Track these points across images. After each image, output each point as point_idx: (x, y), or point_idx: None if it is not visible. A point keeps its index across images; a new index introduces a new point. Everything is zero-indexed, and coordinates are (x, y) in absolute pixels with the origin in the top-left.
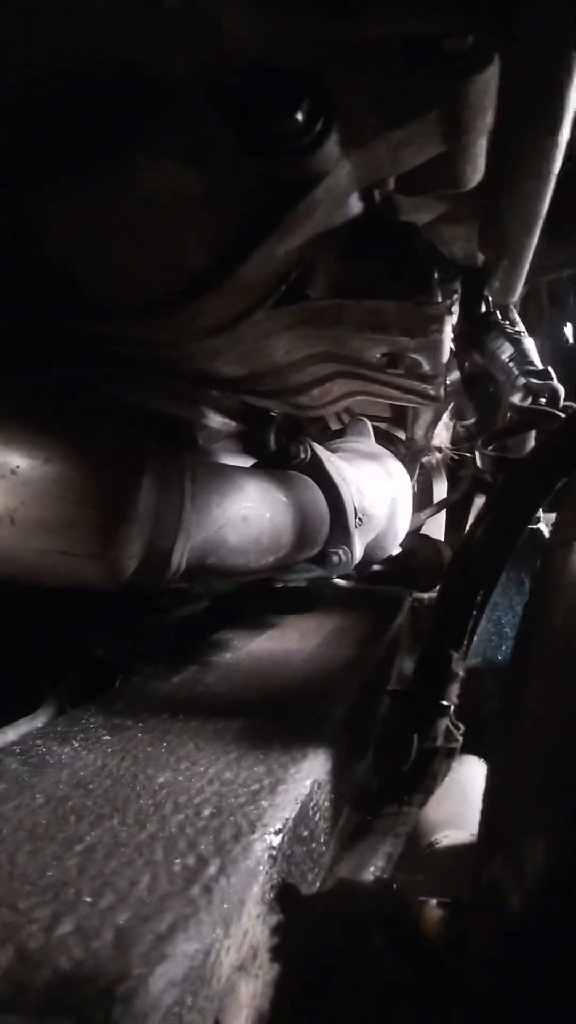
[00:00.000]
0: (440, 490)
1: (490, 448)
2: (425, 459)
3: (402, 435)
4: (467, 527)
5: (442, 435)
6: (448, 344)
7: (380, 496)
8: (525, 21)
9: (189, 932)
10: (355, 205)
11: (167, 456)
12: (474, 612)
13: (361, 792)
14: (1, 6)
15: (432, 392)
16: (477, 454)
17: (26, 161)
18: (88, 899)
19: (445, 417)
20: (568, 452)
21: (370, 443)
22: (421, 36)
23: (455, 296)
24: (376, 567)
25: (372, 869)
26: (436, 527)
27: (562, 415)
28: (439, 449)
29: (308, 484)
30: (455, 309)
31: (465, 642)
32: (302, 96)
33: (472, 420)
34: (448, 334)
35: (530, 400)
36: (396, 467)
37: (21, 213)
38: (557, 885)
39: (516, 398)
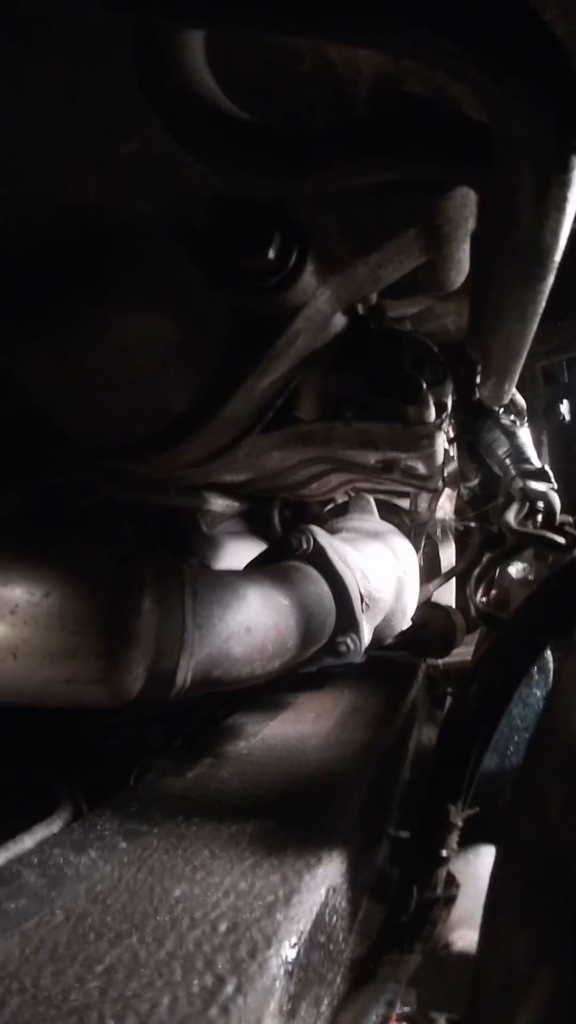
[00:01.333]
0: (448, 555)
1: (480, 598)
2: (431, 529)
3: (406, 505)
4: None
5: (445, 506)
6: (441, 450)
7: (386, 577)
8: (498, 162)
9: None
10: (338, 323)
11: (166, 574)
12: (471, 763)
13: (380, 879)
14: None
15: (430, 486)
16: (470, 590)
17: (4, 314)
18: (111, 1023)
19: (447, 491)
20: (558, 611)
21: (374, 520)
22: None
23: (445, 414)
24: (388, 643)
25: (373, 1018)
26: (446, 591)
27: (559, 540)
28: (443, 521)
29: (311, 577)
30: (445, 426)
31: (464, 792)
32: (271, 231)
33: (476, 481)
34: (442, 444)
35: (526, 509)
36: (401, 544)
37: (4, 361)
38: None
39: (511, 516)
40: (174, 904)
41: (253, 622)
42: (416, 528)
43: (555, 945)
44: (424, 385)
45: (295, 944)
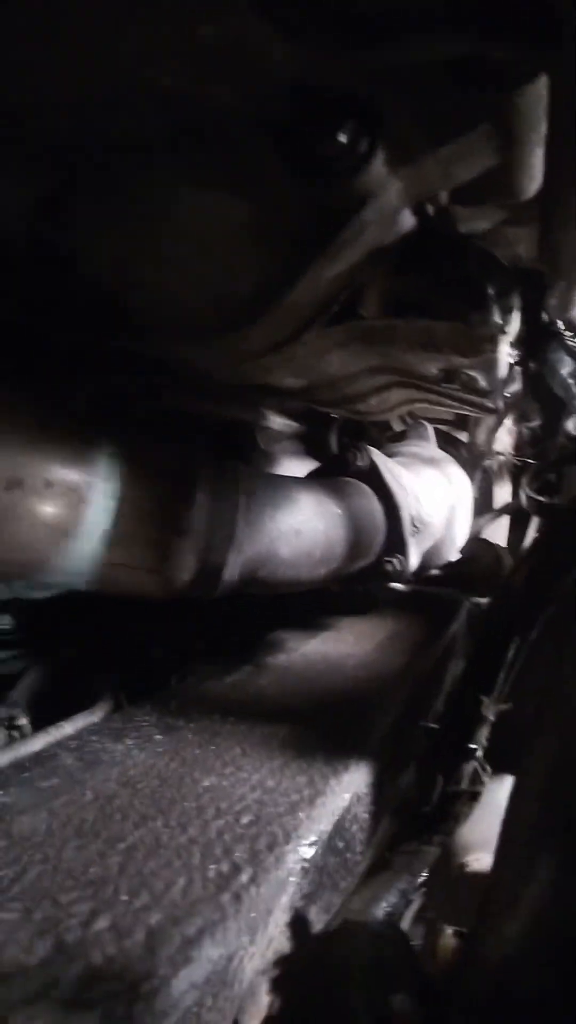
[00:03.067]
0: (503, 494)
1: (535, 487)
2: (487, 463)
3: (464, 438)
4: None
5: (504, 440)
6: (504, 361)
7: (439, 503)
8: (569, 37)
9: (216, 938)
10: (407, 221)
11: (222, 470)
12: (507, 658)
13: (403, 803)
14: (44, 45)
15: (489, 405)
16: (522, 492)
17: (76, 192)
18: (125, 898)
19: (508, 422)
20: None
21: (431, 447)
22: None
23: (510, 315)
24: (435, 571)
25: (384, 905)
26: (498, 531)
27: None
28: (501, 454)
29: (364, 492)
30: (510, 328)
31: (499, 685)
32: (345, 117)
33: (537, 423)
34: (504, 352)
35: None
36: (456, 473)
37: (73, 241)
38: (540, 937)
39: (572, 425)
40: (201, 793)
41: (303, 526)
42: (473, 460)
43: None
44: (490, 291)
45: (314, 843)
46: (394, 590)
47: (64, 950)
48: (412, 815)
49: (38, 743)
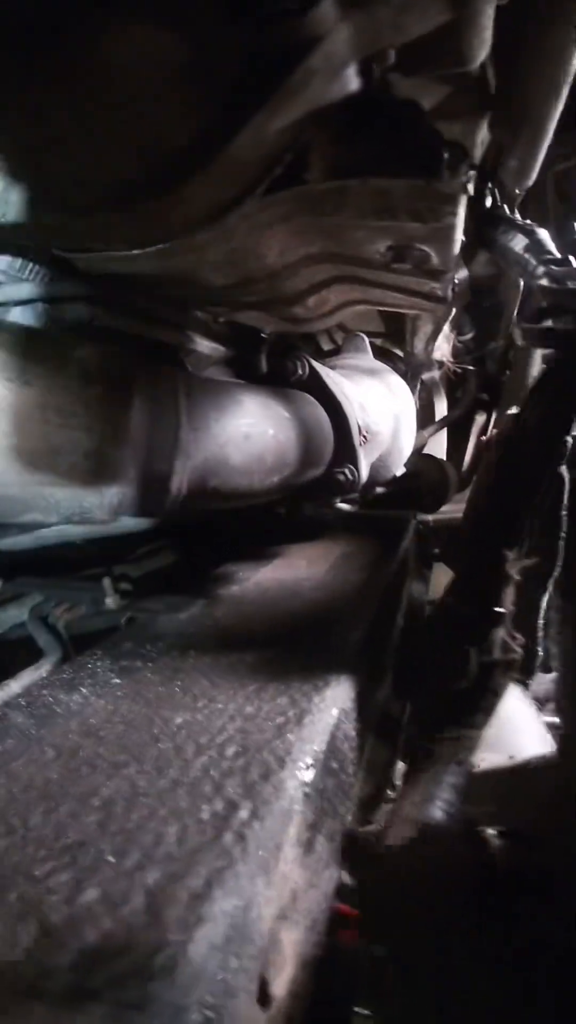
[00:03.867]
0: (441, 407)
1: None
2: (426, 376)
3: (400, 351)
4: (473, 441)
5: (443, 348)
6: (460, 232)
7: (383, 413)
8: None
9: (227, 887)
10: (353, 80)
11: (158, 372)
12: (531, 504)
13: (383, 718)
14: None
15: (440, 292)
16: (517, 332)
17: None
18: (111, 859)
19: (445, 329)
20: None
21: (369, 359)
22: None
23: (470, 174)
24: (380, 490)
25: (439, 803)
26: (437, 446)
27: None
28: (441, 363)
29: (309, 400)
30: (470, 188)
31: (522, 540)
32: None
33: (470, 335)
34: (461, 219)
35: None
36: (398, 383)
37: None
38: None
39: (544, 281)
40: (175, 732)
41: (252, 429)
42: (412, 372)
43: None
44: (445, 155)
45: (311, 765)
46: (340, 512)
47: (51, 933)
48: (448, 696)
49: None
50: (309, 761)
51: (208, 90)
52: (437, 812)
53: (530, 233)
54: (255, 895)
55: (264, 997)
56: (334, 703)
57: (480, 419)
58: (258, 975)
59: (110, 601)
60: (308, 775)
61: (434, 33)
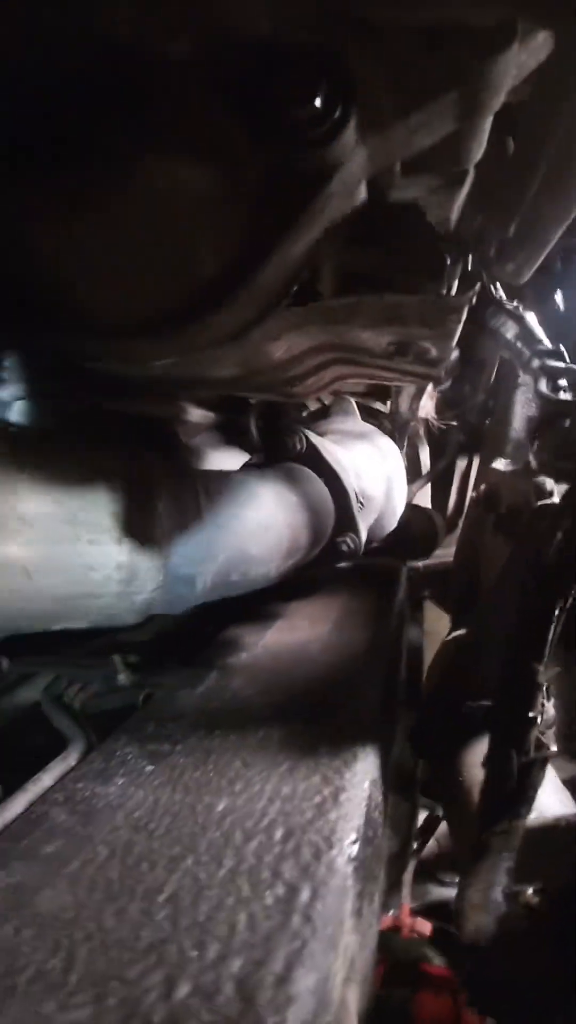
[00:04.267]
0: (425, 458)
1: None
2: (411, 431)
3: (383, 408)
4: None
5: (427, 405)
6: (459, 330)
7: (376, 477)
8: None
9: (306, 965)
10: (362, 192)
11: (179, 473)
12: (555, 620)
13: (398, 772)
14: None
15: (435, 374)
16: (532, 456)
17: (10, 162)
18: (194, 953)
19: (429, 388)
20: None
21: (357, 422)
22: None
23: (476, 286)
24: (375, 545)
25: (500, 888)
26: (423, 494)
27: None
28: (425, 420)
29: (310, 477)
30: (474, 299)
31: (546, 652)
32: (319, 79)
33: (447, 384)
34: (463, 320)
35: (551, 387)
36: (387, 444)
37: (7, 221)
38: None
39: (543, 386)
40: (221, 819)
41: (269, 520)
42: (398, 428)
43: None
44: (448, 261)
45: (355, 840)
46: (332, 567)
47: None
48: (496, 796)
49: (19, 803)
50: (353, 837)
51: (235, 220)
52: (499, 898)
53: (519, 319)
54: (328, 968)
55: None
56: (365, 776)
57: (462, 464)
58: None
59: (122, 678)
60: (354, 850)
61: (437, 143)
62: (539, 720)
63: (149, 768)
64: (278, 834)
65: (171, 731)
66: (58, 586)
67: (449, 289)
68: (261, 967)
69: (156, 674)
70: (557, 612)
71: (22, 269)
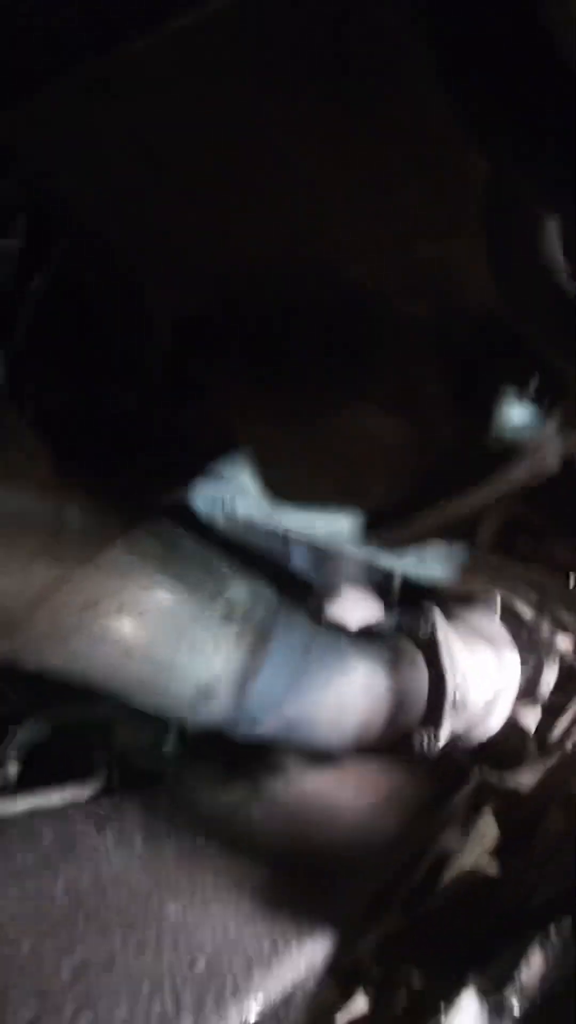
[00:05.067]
0: (548, 680)
1: None
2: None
3: (528, 614)
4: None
5: (566, 639)
6: None
7: (484, 687)
8: None
9: None
10: (551, 469)
11: (290, 628)
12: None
13: (352, 964)
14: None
15: (569, 633)
16: None
17: (243, 371)
18: (69, 1012)
19: None
20: None
21: (492, 622)
22: None
23: None
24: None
25: None
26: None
27: None
28: (559, 651)
29: (417, 666)
30: None
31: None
32: (532, 373)
33: None
34: None
35: None
36: (510, 658)
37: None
38: None
39: None
40: (164, 921)
41: (349, 702)
42: (531, 645)
43: None
44: None
45: (259, 1011)
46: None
47: None
48: None
49: (21, 805)
50: (259, 1007)
51: (410, 474)
52: None
53: None
54: None
55: None
56: (307, 957)
57: None
58: None
59: (169, 746)
60: (252, 1017)
61: None
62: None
63: (138, 840)
64: (201, 964)
65: (177, 819)
66: (145, 675)
67: None
68: None
69: (197, 759)
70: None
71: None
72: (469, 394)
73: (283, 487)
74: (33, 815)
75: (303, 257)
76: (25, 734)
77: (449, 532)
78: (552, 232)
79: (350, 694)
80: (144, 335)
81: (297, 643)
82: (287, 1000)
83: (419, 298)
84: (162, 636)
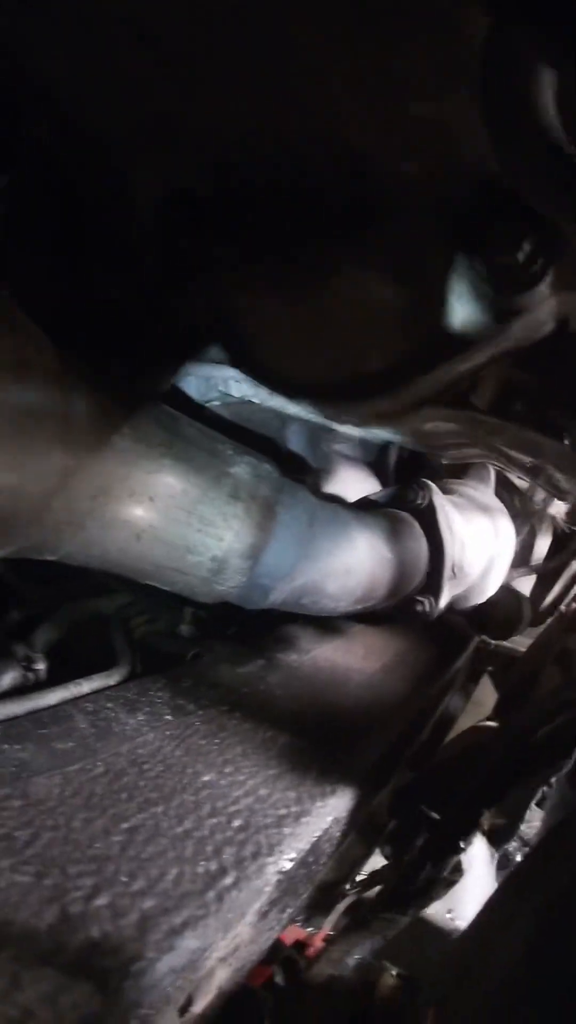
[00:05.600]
0: (541, 548)
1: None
2: (536, 518)
3: (522, 484)
4: (561, 586)
5: (559, 506)
6: None
7: (480, 553)
8: None
9: (197, 931)
10: (546, 330)
11: (295, 500)
12: (521, 785)
13: (369, 819)
14: (246, 92)
15: (567, 499)
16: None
17: (236, 243)
18: (124, 879)
19: None
20: None
21: (487, 494)
22: None
23: None
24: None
25: (355, 957)
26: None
27: None
28: (554, 517)
29: (415, 533)
30: None
31: (499, 803)
32: (526, 233)
33: None
34: None
35: None
36: (505, 526)
37: (223, 297)
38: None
39: None
40: (200, 788)
41: (354, 566)
42: (524, 514)
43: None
44: None
45: (292, 860)
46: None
47: (68, 920)
48: (398, 891)
49: (54, 697)
50: (292, 856)
51: (409, 337)
52: (351, 963)
53: None
54: (213, 943)
55: (184, 1011)
56: (332, 811)
57: (574, 567)
58: (187, 993)
59: (185, 629)
60: (287, 866)
61: None
62: (464, 850)
63: (168, 717)
64: (237, 822)
65: (201, 695)
66: (159, 556)
67: None
68: (164, 914)
69: (213, 639)
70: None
71: (227, 331)
72: (465, 260)
73: (280, 362)
74: (66, 705)
75: (297, 121)
76: (47, 632)
77: (446, 398)
78: (550, 90)
79: (355, 560)
80: (129, 217)
81: (302, 515)
82: (315, 849)
83: (413, 158)
84: (172, 517)
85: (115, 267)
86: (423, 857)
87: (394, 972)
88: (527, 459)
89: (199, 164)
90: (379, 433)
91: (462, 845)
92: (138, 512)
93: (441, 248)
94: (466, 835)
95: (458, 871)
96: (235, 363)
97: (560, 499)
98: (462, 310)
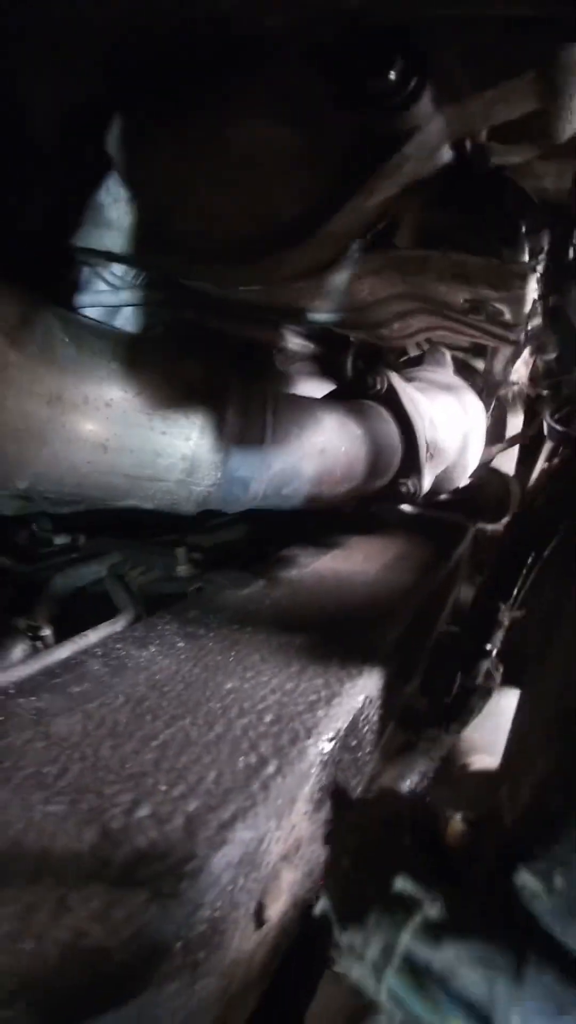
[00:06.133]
0: (515, 424)
1: (556, 419)
2: (502, 392)
3: (481, 366)
4: (535, 471)
5: (521, 371)
6: (531, 297)
7: (453, 430)
8: None
9: (247, 822)
10: (445, 155)
11: (250, 389)
12: (525, 571)
13: (406, 710)
14: None
15: (511, 337)
16: (545, 423)
17: (128, 111)
18: (163, 788)
19: (525, 353)
20: None
21: (447, 374)
22: None
23: (542, 255)
24: (443, 497)
25: (408, 782)
26: (507, 460)
27: None
28: (516, 384)
29: (382, 416)
30: (540, 267)
31: (514, 595)
32: (395, 55)
33: (554, 356)
34: (532, 289)
35: None
36: (472, 400)
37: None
38: (536, 813)
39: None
40: (225, 695)
41: (327, 445)
42: (488, 389)
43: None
44: (523, 229)
45: (332, 739)
46: (402, 512)
47: (110, 836)
48: (436, 704)
49: (64, 651)
50: (331, 735)
51: (314, 174)
52: (404, 788)
53: None
54: (267, 833)
55: (259, 919)
56: (363, 691)
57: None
58: (257, 898)
59: (182, 569)
60: (328, 746)
61: (524, 116)
62: (493, 654)
63: (180, 644)
64: (268, 717)
65: (209, 620)
66: (129, 465)
67: (534, 253)
68: (211, 812)
69: (211, 572)
70: (530, 561)
71: (141, 193)
72: (345, 93)
73: (197, 224)
74: (76, 656)
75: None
76: (46, 602)
77: (367, 243)
78: None
79: (326, 439)
80: (25, 135)
81: (264, 402)
82: (354, 730)
83: (274, 12)
84: (133, 422)
85: (16, 187)
86: (454, 669)
87: (459, 816)
88: (462, 297)
89: (94, 68)
90: (317, 316)
91: (488, 647)
92: (98, 420)
93: (321, 88)
94: (489, 636)
95: (491, 678)
96: (150, 244)
97: (509, 340)
98: (353, 140)
